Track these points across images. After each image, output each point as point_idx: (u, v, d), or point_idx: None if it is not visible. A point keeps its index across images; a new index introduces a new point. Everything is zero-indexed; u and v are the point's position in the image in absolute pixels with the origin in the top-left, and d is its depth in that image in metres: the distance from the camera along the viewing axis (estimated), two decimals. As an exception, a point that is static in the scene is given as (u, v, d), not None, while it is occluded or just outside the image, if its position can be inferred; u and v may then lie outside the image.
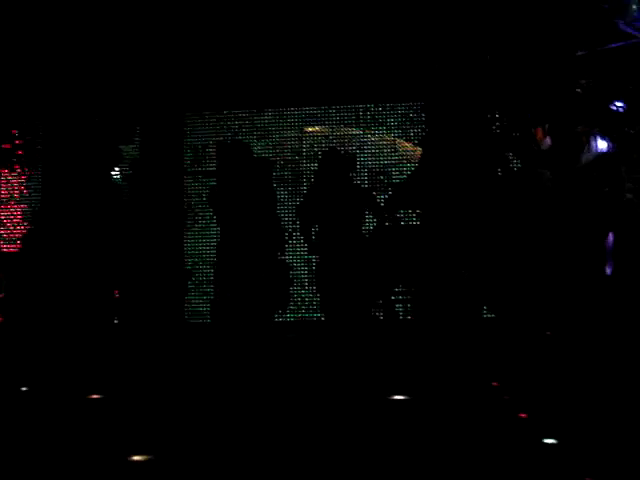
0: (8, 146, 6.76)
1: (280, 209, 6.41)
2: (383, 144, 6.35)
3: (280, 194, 6.45)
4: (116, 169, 6.53)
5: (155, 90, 6.50)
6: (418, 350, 5.69)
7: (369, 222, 6.23)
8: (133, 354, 6.05)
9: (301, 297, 6.42)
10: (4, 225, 6.82)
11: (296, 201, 6.39)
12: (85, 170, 6.43)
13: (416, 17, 6.03)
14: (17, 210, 6.78)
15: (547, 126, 5.80)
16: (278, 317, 6.34)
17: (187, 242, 6.60)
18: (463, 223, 5.91)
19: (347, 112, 6.41)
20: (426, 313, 6.00)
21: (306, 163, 6.44)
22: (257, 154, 6.37)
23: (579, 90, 5.67)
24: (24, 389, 5.33)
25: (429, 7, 6.00)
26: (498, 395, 4.69)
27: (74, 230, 6.35)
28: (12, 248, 6.74)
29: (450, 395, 4.72)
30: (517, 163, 6.05)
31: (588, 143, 5.51)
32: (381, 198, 6.25)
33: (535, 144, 5.86)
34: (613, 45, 5.49)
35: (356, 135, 6.39)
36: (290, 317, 6.40)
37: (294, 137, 6.47)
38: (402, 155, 6.33)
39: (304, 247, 6.34)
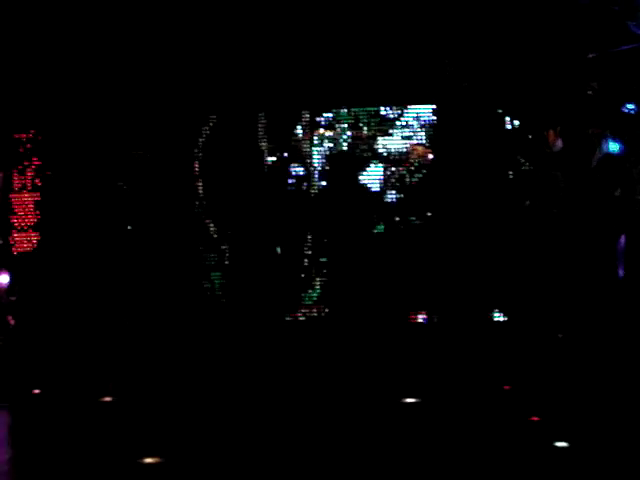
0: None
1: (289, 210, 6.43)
2: (395, 147, 6.34)
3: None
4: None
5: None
6: (431, 353, 5.68)
7: (379, 224, 6.23)
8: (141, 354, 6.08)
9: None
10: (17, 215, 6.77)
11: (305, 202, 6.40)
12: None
13: (429, 22, 6.04)
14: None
15: (559, 128, 5.79)
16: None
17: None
18: (474, 225, 5.91)
19: (360, 114, 6.41)
20: (439, 316, 6.00)
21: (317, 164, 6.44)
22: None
23: (590, 92, 5.66)
24: (37, 391, 5.37)
25: (442, 12, 6.01)
26: (510, 398, 4.68)
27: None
28: (26, 247, 6.71)
29: (462, 397, 4.71)
30: (529, 166, 6.03)
31: (600, 145, 5.49)
32: (393, 200, 6.24)
33: (547, 146, 5.85)
34: (624, 47, 5.47)
35: (368, 137, 6.38)
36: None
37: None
38: (414, 158, 6.31)
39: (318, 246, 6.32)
